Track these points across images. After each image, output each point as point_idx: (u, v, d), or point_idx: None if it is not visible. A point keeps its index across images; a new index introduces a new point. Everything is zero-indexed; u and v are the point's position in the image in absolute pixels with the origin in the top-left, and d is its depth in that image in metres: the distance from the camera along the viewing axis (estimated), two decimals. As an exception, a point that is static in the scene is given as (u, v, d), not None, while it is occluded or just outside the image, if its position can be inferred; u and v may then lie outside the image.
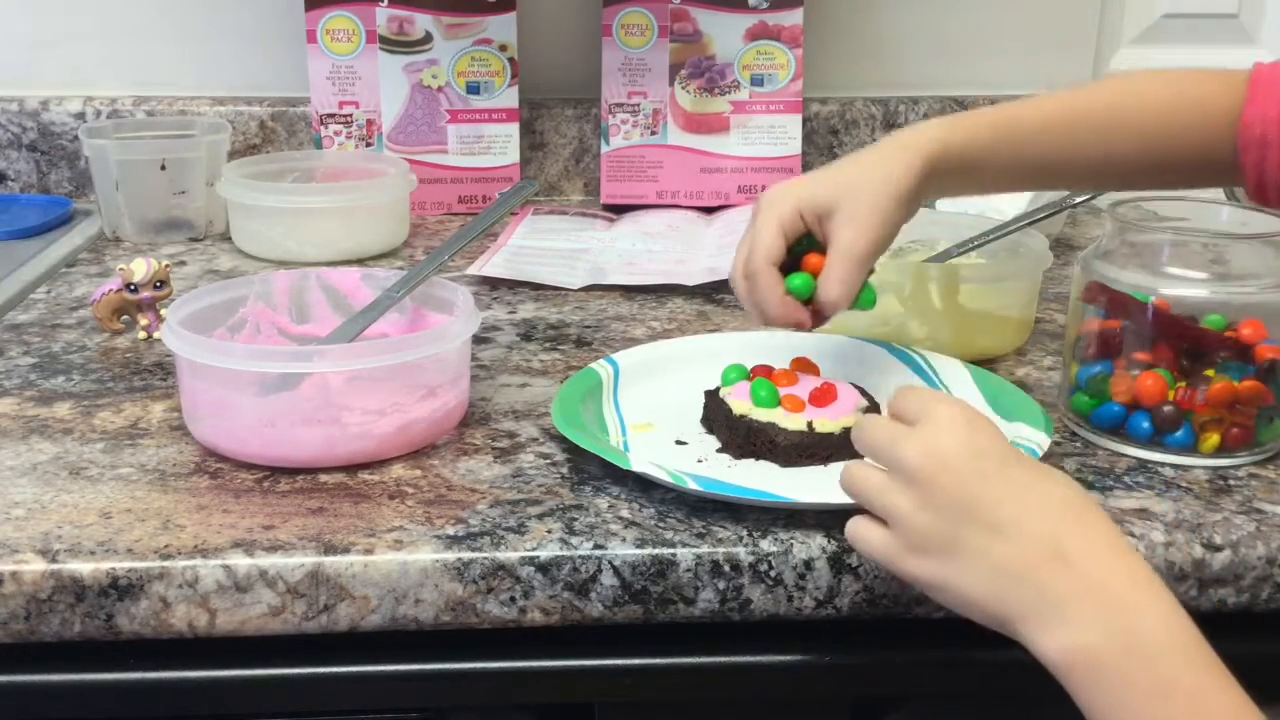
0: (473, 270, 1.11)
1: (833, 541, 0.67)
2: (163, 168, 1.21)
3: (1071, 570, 0.55)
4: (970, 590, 0.57)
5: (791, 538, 0.67)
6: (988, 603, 0.56)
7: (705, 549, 0.66)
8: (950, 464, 0.58)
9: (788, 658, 0.69)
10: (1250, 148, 0.82)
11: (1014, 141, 0.81)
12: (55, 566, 0.64)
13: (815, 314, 0.77)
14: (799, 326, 0.77)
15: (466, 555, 0.65)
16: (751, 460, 0.76)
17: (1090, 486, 0.73)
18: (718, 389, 0.81)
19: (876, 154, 0.78)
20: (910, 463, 0.58)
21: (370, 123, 1.33)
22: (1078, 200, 1.03)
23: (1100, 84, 0.87)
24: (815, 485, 0.70)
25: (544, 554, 0.66)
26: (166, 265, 0.96)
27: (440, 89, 1.33)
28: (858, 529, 0.61)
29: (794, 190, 0.77)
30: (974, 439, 0.58)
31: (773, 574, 0.66)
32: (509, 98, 1.34)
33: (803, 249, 0.78)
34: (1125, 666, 0.52)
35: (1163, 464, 0.76)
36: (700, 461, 0.77)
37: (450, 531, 0.67)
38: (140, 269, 0.94)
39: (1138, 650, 0.52)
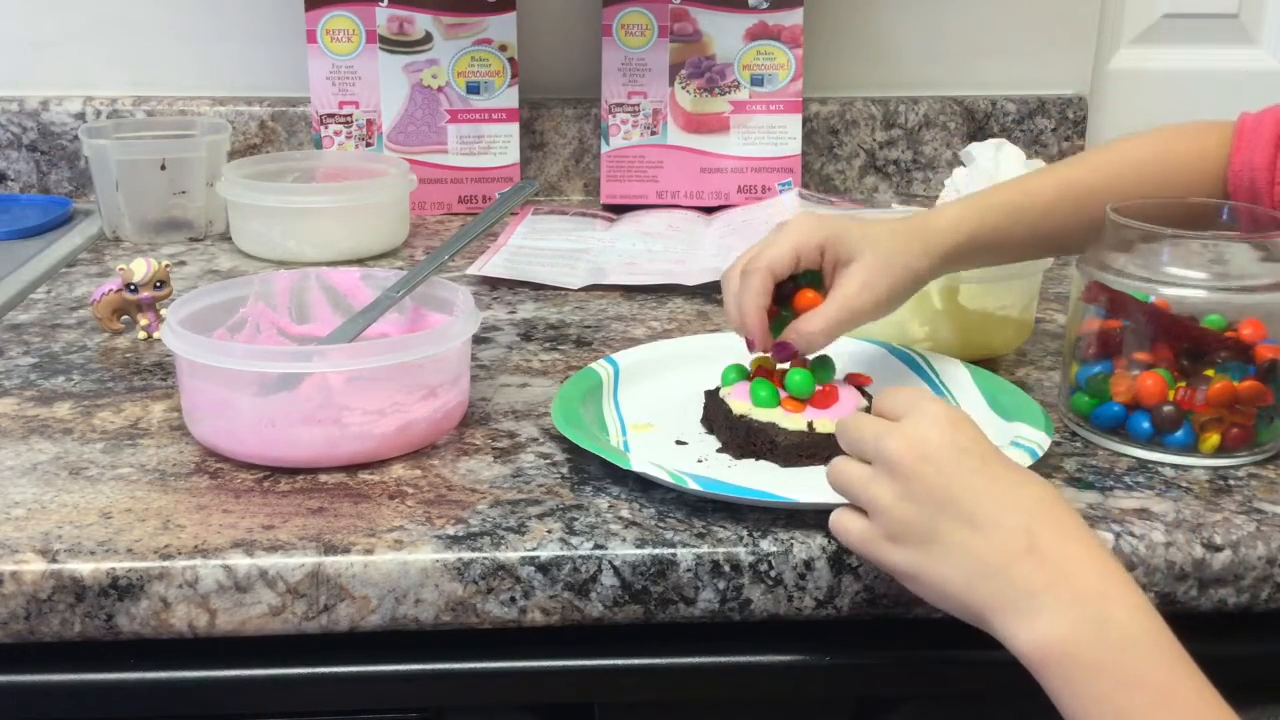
0: (473, 270, 1.11)
1: (833, 542, 0.67)
2: (163, 168, 1.21)
3: (1044, 563, 0.56)
4: (945, 581, 0.58)
5: (791, 538, 0.67)
6: (962, 593, 0.58)
7: (705, 549, 0.66)
8: (932, 457, 0.59)
9: (788, 658, 0.69)
10: (1240, 195, 0.85)
11: (1026, 222, 0.83)
12: (55, 566, 0.64)
13: (788, 348, 0.77)
14: (750, 345, 0.78)
15: (467, 555, 0.65)
16: (751, 460, 0.76)
17: (1090, 486, 0.73)
18: (718, 389, 0.81)
19: (912, 225, 0.80)
20: (893, 455, 0.60)
21: (370, 123, 1.33)
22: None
23: (1100, 154, 0.89)
24: (815, 485, 0.70)
25: (544, 554, 0.66)
26: (166, 265, 0.96)
27: (440, 89, 1.33)
28: (839, 519, 0.63)
29: (827, 225, 0.78)
30: (956, 435, 0.60)
31: (773, 574, 0.66)
32: (509, 98, 1.34)
33: (804, 282, 0.78)
34: (1095, 657, 0.53)
35: (1163, 464, 0.76)
36: (700, 461, 0.77)
37: (450, 531, 0.67)
38: (140, 269, 0.94)
39: (1107, 641, 0.53)
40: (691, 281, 1.09)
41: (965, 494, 0.58)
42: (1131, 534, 0.68)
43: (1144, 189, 0.84)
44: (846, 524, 0.63)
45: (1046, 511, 0.58)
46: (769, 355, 0.79)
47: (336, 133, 1.33)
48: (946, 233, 0.79)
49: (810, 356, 0.80)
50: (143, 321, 0.96)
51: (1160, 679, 0.53)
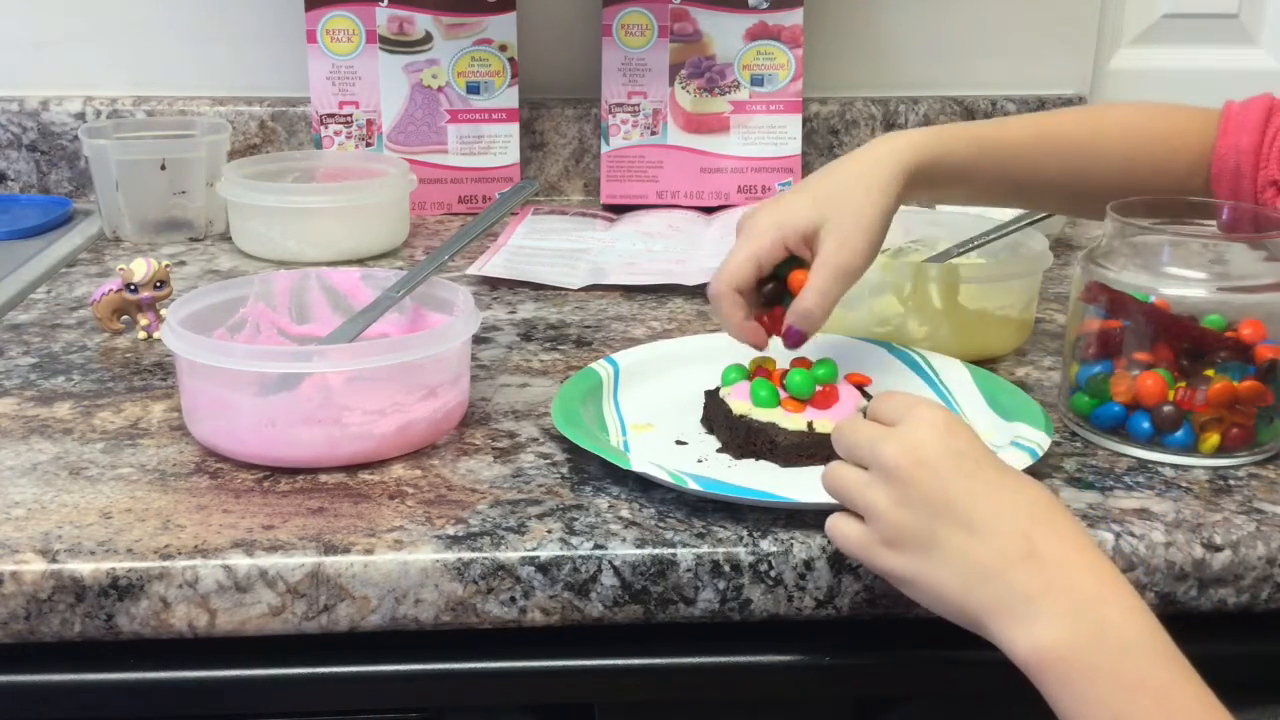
0: (473, 270, 1.11)
1: (833, 542, 0.67)
2: (163, 168, 1.21)
3: (1042, 568, 0.56)
4: (942, 586, 0.58)
5: (791, 538, 0.67)
6: (959, 598, 0.58)
7: (705, 549, 0.66)
8: (929, 462, 0.59)
9: (788, 658, 0.69)
10: (1224, 177, 0.84)
11: (994, 157, 0.82)
12: (55, 566, 0.64)
13: (794, 332, 0.77)
14: (758, 346, 0.79)
15: (466, 555, 0.65)
16: (751, 460, 0.76)
17: (1090, 486, 0.73)
18: (718, 389, 0.81)
19: (858, 165, 0.79)
20: (890, 460, 0.59)
21: (370, 123, 1.33)
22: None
23: (1081, 110, 0.89)
24: (815, 485, 0.70)
25: (544, 554, 0.66)
26: (166, 265, 0.96)
27: (440, 89, 1.33)
28: (836, 524, 0.63)
29: (774, 217, 0.78)
30: (952, 440, 0.60)
31: (773, 574, 0.66)
32: (509, 98, 1.34)
33: (787, 268, 0.78)
34: (1094, 661, 0.53)
35: (1163, 464, 0.76)
36: (700, 461, 0.77)
37: (450, 531, 0.67)
38: (140, 269, 0.94)
39: (1106, 645, 0.53)
40: (691, 281, 1.09)
41: (962, 499, 0.58)
42: (1131, 534, 0.68)
43: (1125, 152, 0.83)
44: (843, 529, 0.62)
45: (1044, 516, 0.58)
46: (773, 356, 0.79)
47: (336, 133, 1.33)
48: (910, 156, 0.78)
49: (813, 358, 0.80)
50: (143, 321, 0.96)
51: (1159, 682, 0.53)
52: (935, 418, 0.60)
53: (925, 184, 0.79)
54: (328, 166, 1.29)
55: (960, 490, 0.58)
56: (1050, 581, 0.55)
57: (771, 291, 0.79)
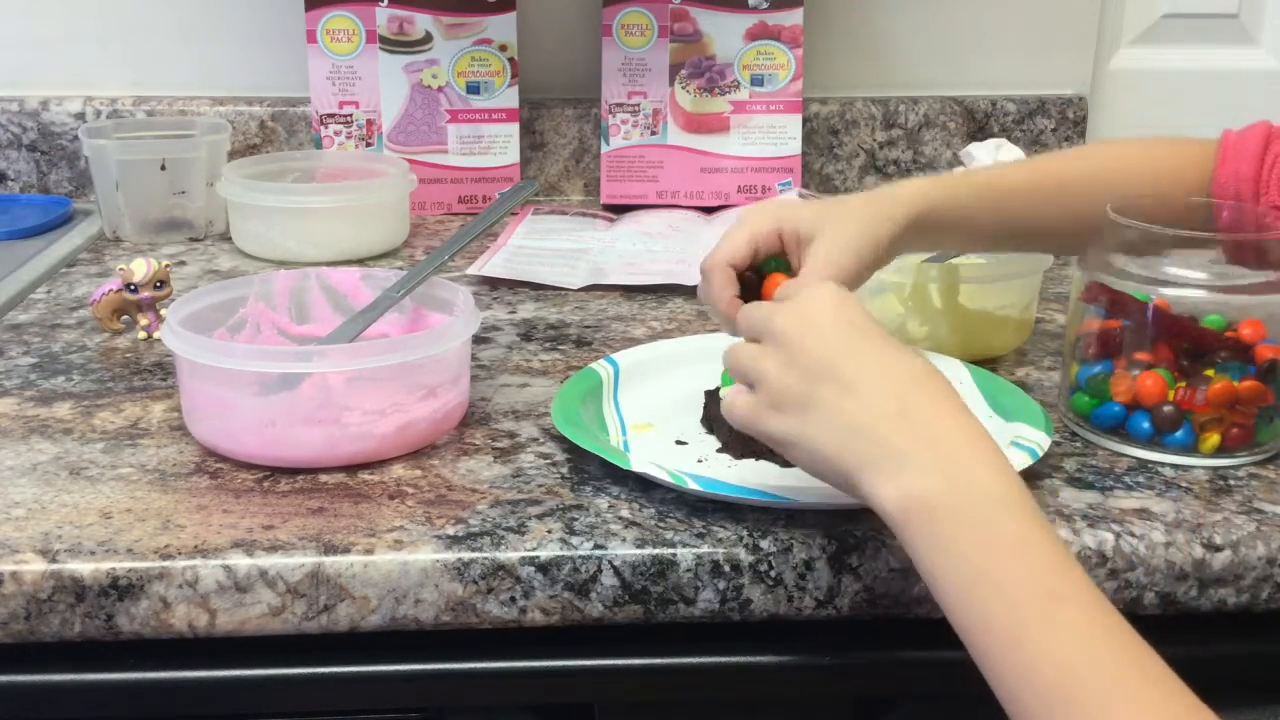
0: (473, 270, 1.11)
1: (833, 542, 0.67)
2: (163, 168, 1.21)
3: (913, 425, 0.57)
4: (819, 445, 0.60)
5: (791, 538, 0.67)
6: (834, 456, 0.59)
7: (705, 549, 0.66)
8: (815, 326, 0.61)
9: (788, 658, 0.69)
10: None
11: (994, 204, 0.83)
12: (55, 566, 0.64)
13: None
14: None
15: (466, 555, 0.65)
16: (751, 460, 0.76)
17: (1090, 486, 0.73)
18: (718, 389, 0.81)
19: (864, 200, 0.80)
20: (779, 329, 0.62)
21: (370, 123, 1.33)
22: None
23: (1080, 151, 0.90)
24: (815, 485, 0.70)
25: (544, 554, 0.66)
26: (166, 265, 0.96)
27: (440, 89, 1.33)
28: (729, 398, 0.65)
29: (781, 210, 0.78)
30: (841, 310, 0.62)
31: (773, 574, 0.67)
32: (509, 98, 1.34)
33: (770, 268, 0.78)
34: (956, 513, 0.54)
35: (1163, 464, 0.76)
36: (700, 461, 0.77)
37: (450, 531, 0.67)
38: (140, 269, 0.94)
39: (969, 499, 0.55)
40: (691, 281, 1.08)
41: (843, 362, 0.60)
42: (1131, 534, 0.68)
43: (1123, 189, 0.83)
44: (733, 400, 0.64)
45: (921, 379, 0.59)
46: None
47: (336, 133, 1.33)
48: (912, 200, 0.79)
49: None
50: (143, 321, 0.96)
51: (1019, 537, 0.54)
52: (827, 291, 0.63)
53: (926, 229, 0.80)
54: (328, 166, 1.29)
55: (842, 354, 0.60)
56: (920, 437, 0.57)
57: (748, 281, 0.78)
